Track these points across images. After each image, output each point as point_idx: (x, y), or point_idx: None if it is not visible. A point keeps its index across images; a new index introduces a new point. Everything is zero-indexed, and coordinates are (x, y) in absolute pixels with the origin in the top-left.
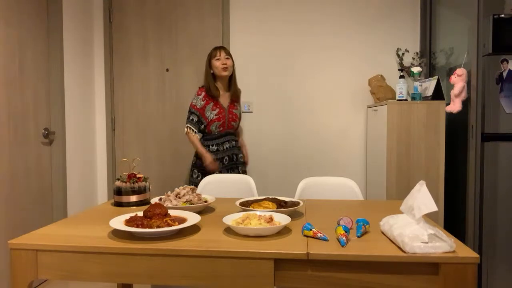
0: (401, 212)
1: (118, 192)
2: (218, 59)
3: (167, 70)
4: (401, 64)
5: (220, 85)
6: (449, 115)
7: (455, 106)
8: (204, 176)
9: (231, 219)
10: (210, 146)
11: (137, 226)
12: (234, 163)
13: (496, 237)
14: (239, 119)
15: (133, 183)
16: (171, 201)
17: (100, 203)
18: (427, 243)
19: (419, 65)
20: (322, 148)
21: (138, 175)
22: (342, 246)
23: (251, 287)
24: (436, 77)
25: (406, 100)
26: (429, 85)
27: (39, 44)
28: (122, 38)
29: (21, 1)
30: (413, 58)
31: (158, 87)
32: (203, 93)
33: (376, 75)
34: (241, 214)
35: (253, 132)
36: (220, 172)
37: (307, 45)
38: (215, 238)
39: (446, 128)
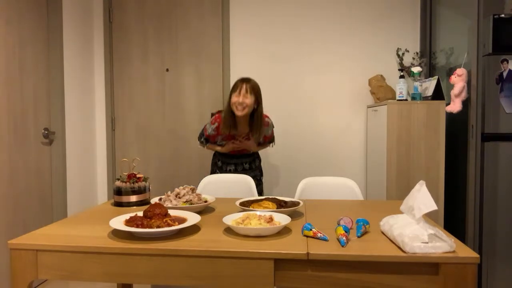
0: (401, 212)
1: (118, 192)
2: (237, 95)
3: (167, 70)
4: (401, 64)
5: (239, 120)
6: (449, 115)
7: (455, 106)
8: (224, 162)
9: (231, 219)
10: (218, 161)
11: (137, 226)
12: (246, 172)
13: (496, 237)
14: (263, 143)
15: (133, 183)
16: (171, 201)
17: (100, 203)
18: (427, 243)
19: (419, 65)
20: (322, 148)
21: (138, 175)
22: (342, 246)
23: (251, 287)
24: (436, 77)
25: (406, 100)
26: (429, 85)
27: (39, 44)
28: (122, 37)
29: (21, 0)
30: (413, 58)
31: (158, 87)
32: (216, 124)
33: (376, 75)
34: (241, 214)
35: None
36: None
37: (307, 45)
38: (215, 238)
39: (446, 128)
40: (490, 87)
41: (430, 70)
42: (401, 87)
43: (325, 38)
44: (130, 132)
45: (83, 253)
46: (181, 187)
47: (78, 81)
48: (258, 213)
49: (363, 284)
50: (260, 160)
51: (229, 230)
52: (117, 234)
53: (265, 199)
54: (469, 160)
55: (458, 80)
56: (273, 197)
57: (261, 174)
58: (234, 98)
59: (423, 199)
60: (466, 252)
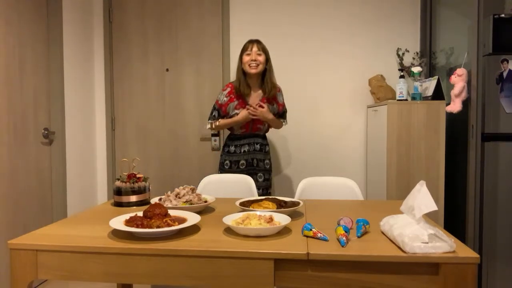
0: (401, 212)
1: (118, 192)
2: (248, 54)
3: (167, 70)
4: (401, 64)
5: (251, 82)
6: (449, 115)
7: (455, 106)
8: (232, 163)
9: (231, 219)
10: (229, 147)
11: (137, 226)
12: (254, 168)
13: (496, 237)
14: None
15: (133, 183)
16: (171, 201)
17: (100, 203)
18: (427, 243)
19: (419, 65)
20: (322, 148)
21: (138, 175)
22: (342, 246)
23: (251, 287)
24: (436, 77)
25: (406, 100)
26: (429, 85)
27: (39, 44)
28: (122, 37)
29: (21, 0)
30: (413, 58)
31: (158, 87)
32: (229, 89)
33: (376, 75)
34: (241, 214)
35: None
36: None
37: (307, 45)
38: (215, 238)
39: (446, 128)
40: (490, 87)
41: (430, 70)
42: (401, 87)
43: (325, 37)
44: (130, 132)
45: (83, 253)
46: (181, 187)
47: (78, 81)
48: (258, 213)
49: (363, 284)
50: (269, 152)
51: (229, 230)
52: (117, 234)
53: (265, 199)
54: (469, 160)
55: (458, 80)
56: (273, 197)
57: (270, 170)
58: (246, 58)
59: (423, 199)
60: (466, 252)
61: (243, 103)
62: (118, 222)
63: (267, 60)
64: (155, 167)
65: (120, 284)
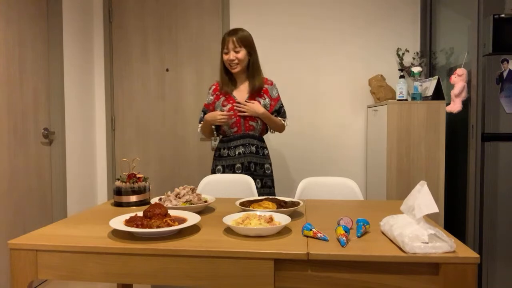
0: (401, 212)
1: (118, 192)
2: (226, 53)
3: (167, 70)
4: (401, 64)
5: (236, 76)
6: (449, 115)
7: (455, 106)
8: (226, 168)
9: (231, 219)
10: (221, 150)
11: (137, 226)
12: (251, 173)
13: (496, 237)
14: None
15: (133, 183)
16: (171, 201)
17: (100, 203)
18: (427, 243)
19: (419, 65)
20: (322, 148)
21: (138, 175)
22: (342, 246)
23: (251, 287)
24: (436, 77)
25: (406, 100)
26: (429, 85)
27: (39, 44)
28: (122, 37)
29: (21, 0)
30: (413, 58)
31: (158, 87)
32: (214, 87)
33: (376, 75)
34: (241, 214)
35: None
36: None
37: (306, 45)
38: (215, 238)
39: (446, 128)
40: (490, 87)
41: (430, 70)
42: (401, 87)
43: (325, 38)
44: (130, 132)
45: (83, 253)
46: (181, 187)
47: (78, 81)
48: (258, 213)
49: (363, 284)
50: (268, 157)
51: (229, 230)
52: (117, 234)
53: (265, 199)
54: (469, 160)
55: (458, 80)
56: (273, 197)
57: (271, 176)
58: (225, 56)
59: (424, 199)
60: (466, 252)
61: (230, 98)
62: (118, 222)
63: (250, 52)
64: (155, 167)
65: (120, 284)
